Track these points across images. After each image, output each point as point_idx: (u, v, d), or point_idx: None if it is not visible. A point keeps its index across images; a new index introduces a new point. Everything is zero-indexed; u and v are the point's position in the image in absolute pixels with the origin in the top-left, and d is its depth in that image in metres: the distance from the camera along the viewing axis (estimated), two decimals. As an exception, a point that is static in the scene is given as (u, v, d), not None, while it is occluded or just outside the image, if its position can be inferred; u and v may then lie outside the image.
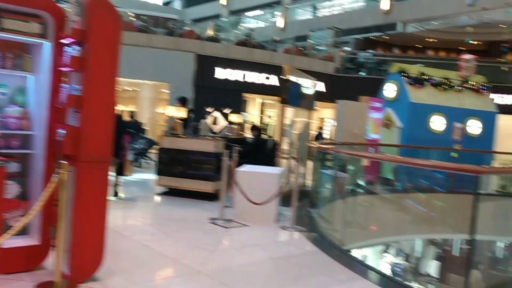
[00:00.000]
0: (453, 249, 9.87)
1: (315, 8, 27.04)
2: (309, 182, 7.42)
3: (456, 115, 11.42)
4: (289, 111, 8.01)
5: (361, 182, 8.40)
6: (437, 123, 11.43)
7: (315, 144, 5.68)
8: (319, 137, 16.48)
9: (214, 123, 13.33)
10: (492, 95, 13.30)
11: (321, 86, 18.25)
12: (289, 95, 7.27)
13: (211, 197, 6.96)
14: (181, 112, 7.80)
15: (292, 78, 7.61)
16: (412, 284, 8.89)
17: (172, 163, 7.18)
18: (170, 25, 16.83)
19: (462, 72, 8.85)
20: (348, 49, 22.05)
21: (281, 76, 7.05)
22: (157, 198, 7.33)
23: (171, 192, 7.35)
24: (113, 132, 3.45)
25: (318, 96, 18.47)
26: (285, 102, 7.02)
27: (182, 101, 9.00)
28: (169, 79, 15.22)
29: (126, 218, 5.90)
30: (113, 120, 3.41)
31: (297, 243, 5.12)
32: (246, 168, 6.14)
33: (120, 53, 3.40)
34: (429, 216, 8.98)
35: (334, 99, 14.09)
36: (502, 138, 14.37)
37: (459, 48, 22.44)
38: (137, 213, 6.45)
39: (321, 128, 17.64)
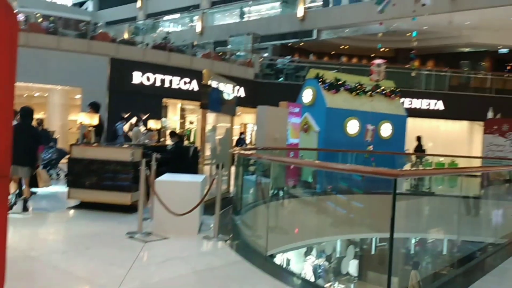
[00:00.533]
0: (371, 247, 10.29)
1: (241, 14, 27.07)
2: (232, 188, 7.31)
3: (369, 119, 11.97)
4: (210, 117, 7.85)
5: (284, 186, 8.46)
6: (352, 127, 11.90)
7: (237, 150, 5.57)
8: (240, 142, 16.47)
9: (131, 129, 12.76)
10: (401, 100, 14.16)
11: (241, 91, 18.36)
12: (209, 100, 7.11)
13: (129, 209, 6.58)
14: (93, 119, 7.31)
15: (213, 83, 7.46)
16: (334, 284, 9.12)
17: (85, 174, 6.69)
18: (81, 27, 15.93)
19: (373, 76, 9.28)
20: (267, 55, 22.39)
21: (201, 81, 6.85)
22: (69, 213, 6.79)
23: (84, 206, 6.85)
24: (13, 142, 3.05)
25: (239, 101, 18.59)
26: (205, 107, 6.85)
27: (94, 107, 8.49)
28: (82, 84, 14.38)
29: (33, 236, 5.37)
30: (11, 128, 3.02)
31: (220, 254, 4.96)
32: (166, 177, 5.88)
33: (18, 55, 3.02)
34: (348, 217, 9.27)
35: (254, 104, 14.15)
36: (412, 140, 15.35)
37: (370, 55, 23.68)
38: (46, 230, 5.91)
39: (242, 133, 17.67)
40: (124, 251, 4.77)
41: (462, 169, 4.23)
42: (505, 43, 21.28)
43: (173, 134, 8.41)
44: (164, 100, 17.16)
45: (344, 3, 23.00)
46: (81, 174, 6.72)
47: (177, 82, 16.33)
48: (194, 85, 16.60)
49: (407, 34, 21.51)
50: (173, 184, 5.56)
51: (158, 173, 6.20)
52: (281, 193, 7.69)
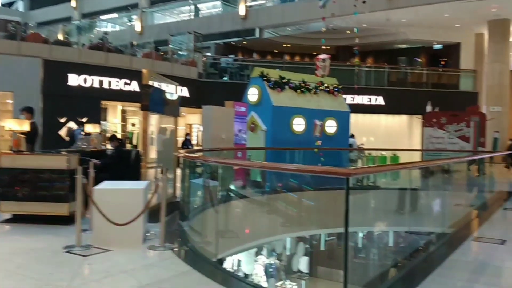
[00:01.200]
0: (320, 243, 10.30)
1: (196, 11, 26.50)
2: (178, 192, 7.00)
3: (314, 116, 12.02)
4: (153, 118, 7.51)
5: (232, 187, 8.26)
6: (298, 124, 11.90)
7: (182, 153, 5.29)
8: (186, 143, 16.10)
9: (68, 134, 12.09)
10: (344, 96, 14.36)
11: (185, 92, 17.96)
12: (151, 101, 6.77)
13: (67, 220, 6.12)
14: (23, 125, 6.75)
15: (154, 84, 7.12)
16: (285, 282, 9.04)
17: (16, 185, 6.15)
18: (11, 27, 14.92)
19: (319, 71, 9.27)
20: (209, 54, 22.10)
21: (141, 82, 6.50)
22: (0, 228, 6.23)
23: (18, 219, 6.31)
24: None
25: (183, 101, 18.17)
26: (146, 109, 6.50)
27: (30, 111, 7.93)
28: (12, 88, 13.44)
29: (-44, 258, 4.83)
30: None
31: (168, 264, 4.67)
32: (105, 184, 5.50)
33: None
34: (298, 215, 9.22)
35: (199, 104, 13.87)
36: (357, 135, 15.66)
37: (312, 53, 23.98)
38: (-28, 249, 5.35)
39: (188, 134, 17.28)
40: (61, 268, 4.38)
41: (412, 164, 4.22)
42: (439, 39, 22.26)
43: (113, 138, 7.97)
44: (103, 102, 16.45)
45: (285, 1, 23.16)
46: (13, 185, 6.17)
47: (116, 83, 15.69)
48: (134, 86, 16.02)
49: (347, 32, 22.00)
50: (113, 192, 5.20)
51: (99, 180, 5.81)
52: (230, 194, 7.49)
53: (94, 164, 5.90)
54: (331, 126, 12.47)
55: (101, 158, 7.68)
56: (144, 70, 6.46)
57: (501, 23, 18.72)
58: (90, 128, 9.32)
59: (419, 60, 23.92)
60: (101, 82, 15.46)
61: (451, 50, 22.45)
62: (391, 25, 20.50)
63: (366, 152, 13.82)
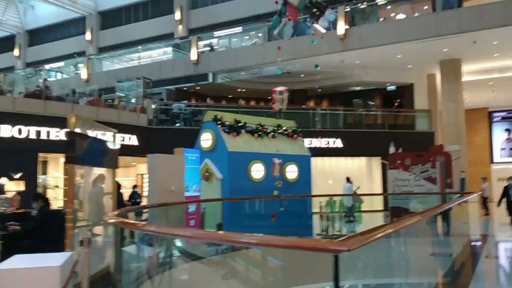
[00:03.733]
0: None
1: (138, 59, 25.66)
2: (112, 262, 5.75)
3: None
4: (84, 172, 6.32)
5: (180, 245, 7.05)
6: (257, 171, 10.92)
7: (114, 218, 4.11)
8: (134, 196, 14.69)
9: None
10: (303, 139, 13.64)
11: (133, 140, 16.76)
12: (80, 152, 5.61)
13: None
14: None
15: (83, 131, 5.99)
16: None
17: None
18: None
19: (276, 105, 8.45)
20: (160, 101, 21.12)
21: (66, 130, 5.36)
22: None
23: None
24: None
25: (132, 150, 16.92)
26: (72, 161, 5.33)
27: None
28: None
29: None
30: None
31: None
32: (10, 263, 4.20)
33: None
34: (263, 275, 8.05)
35: (150, 152, 12.72)
36: (317, 180, 14.84)
37: (268, 97, 23.45)
38: None
39: (135, 186, 15.86)
40: None
41: (411, 220, 3.27)
42: (393, 80, 22.35)
43: (37, 196, 6.65)
44: (42, 155, 14.94)
45: (237, 46, 22.77)
46: None
47: (56, 134, 14.27)
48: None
49: (301, 75, 21.73)
50: (18, 274, 3.92)
51: (21, 250, 4.54)
52: (177, 255, 6.29)
53: (14, 230, 4.63)
54: (292, 172, 11.57)
55: (24, 222, 6.36)
56: (70, 115, 5.33)
57: (452, 62, 18.95)
58: (11, 185, 7.93)
59: (374, 102, 23.91)
60: (38, 133, 14.03)
61: (405, 91, 22.57)
62: (345, 67, 20.37)
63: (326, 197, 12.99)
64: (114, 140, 6.91)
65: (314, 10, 5.88)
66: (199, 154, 9.85)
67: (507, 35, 16.18)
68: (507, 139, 27.46)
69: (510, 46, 17.64)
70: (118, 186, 12.39)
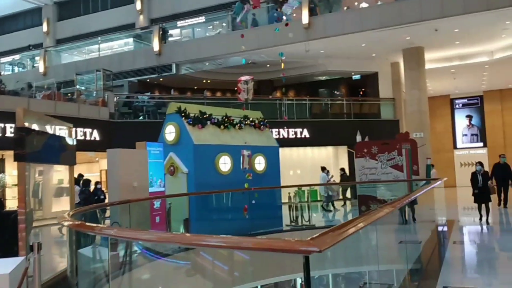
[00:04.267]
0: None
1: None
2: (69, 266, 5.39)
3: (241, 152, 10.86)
4: (48, 168, 5.91)
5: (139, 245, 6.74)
6: (225, 163, 10.66)
7: (69, 220, 3.75)
8: (98, 193, 14.12)
9: None
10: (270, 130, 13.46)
11: (95, 134, 16.18)
12: (32, 148, 5.21)
13: None
14: None
15: (34, 126, 5.58)
16: None
17: None
18: None
19: (241, 95, 8.20)
20: (123, 94, 20.49)
21: (15, 125, 4.94)
22: None
23: None
24: None
25: (93, 145, 16.31)
26: (22, 159, 4.93)
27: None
28: None
29: None
30: None
31: None
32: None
33: None
34: (230, 270, 7.85)
35: (112, 147, 12.27)
36: (285, 171, 14.71)
37: (234, 88, 23.13)
38: None
39: (98, 182, 15.24)
40: None
41: (378, 214, 3.11)
42: (357, 70, 22.44)
43: (-14, 198, 6.20)
44: (-2, 152, 14.23)
45: (201, 35, 22.33)
46: None
47: (11, 130, 13.56)
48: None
49: (267, 66, 21.50)
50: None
51: None
52: (139, 252, 5.99)
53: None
54: (260, 163, 11.37)
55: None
56: (18, 109, 4.92)
57: (415, 50, 19.16)
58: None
59: (339, 92, 23.98)
60: (-8, 129, 13.30)
61: (369, 80, 22.71)
62: (310, 57, 20.28)
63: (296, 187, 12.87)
64: (70, 135, 6.50)
65: (278, -4, 5.65)
66: (162, 148, 9.50)
67: (467, 23, 16.45)
68: (468, 125, 28.19)
69: (471, 33, 17.98)
70: (87, 182, 11.91)
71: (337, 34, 17.92)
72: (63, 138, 6.17)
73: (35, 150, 5.24)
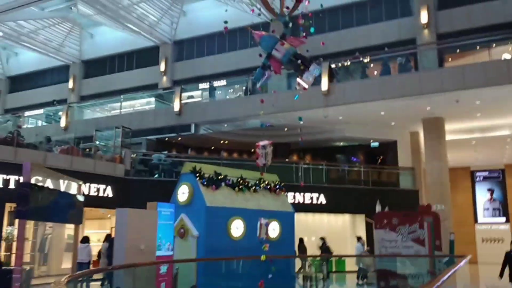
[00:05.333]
0: None
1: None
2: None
3: (255, 218, 10.44)
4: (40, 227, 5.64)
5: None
6: (237, 228, 10.25)
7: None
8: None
9: None
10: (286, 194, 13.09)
11: (108, 191, 16.03)
12: (37, 204, 4.98)
13: None
14: None
15: (40, 181, 5.39)
16: None
17: None
18: None
19: (260, 160, 7.98)
20: (140, 151, 20.55)
21: (21, 179, 4.75)
22: None
23: None
24: None
25: (106, 202, 16.09)
26: (23, 216, 4.68)
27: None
28: None
29: None
30: None
31: None
32: None
33: None
34: None
35: (125, 205, 12.05)
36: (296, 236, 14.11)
37: (251, 150, 23.07)
38: None
39: (109, 235, 14.80)
40: None
41: None
42: (376, 137, 22.26)
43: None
44: (9, 204, 14.06)
45: (222, 97, 22.65)
46: None
47: (25, 183, 13.49)
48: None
49: (285, 129, 21.48)
50: None
51: None
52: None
53: None
54: (274, 230, 10.91)
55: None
56: (25, 164, 4.75)
57: (435, 121, 18.97)
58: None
59: (357, 159, 23.69)
60: (6, 181, 13.28)
61: (388, 148, 22.45)
62: (328, 123, 20.25)
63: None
64: (79, 192, 6.28)
65: (299, 64, 5.57)
66: (174, 209, 9.20)
67: (489, 95, 16.32)
68: (490, 199, 27.33)
69: (492, 106, 17.79)
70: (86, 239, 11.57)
71: (355, 101, 17.92)
72: (71, 195, 5.96)
73: (40, 206, 5.01)
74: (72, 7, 25.76)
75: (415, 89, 16.70)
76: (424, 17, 20.73)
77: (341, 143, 24.26)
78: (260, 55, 6.17)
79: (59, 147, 16.79)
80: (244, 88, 22.57)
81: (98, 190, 15.49)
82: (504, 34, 17.75)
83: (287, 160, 22.03)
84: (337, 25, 23.12)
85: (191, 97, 23.01)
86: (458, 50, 18.45)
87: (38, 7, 26.27)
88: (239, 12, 22.58)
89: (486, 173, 27.67)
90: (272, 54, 5.57)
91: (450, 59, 18.19)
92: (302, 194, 19.10)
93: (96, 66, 30.15)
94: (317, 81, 17.98)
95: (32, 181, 4.77)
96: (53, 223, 5.95)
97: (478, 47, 17.90)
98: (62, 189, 6.38)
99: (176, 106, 21.38)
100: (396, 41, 21.17)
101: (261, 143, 7.94)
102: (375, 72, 19.36)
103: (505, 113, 18.75)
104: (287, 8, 6.19)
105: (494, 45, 17.37)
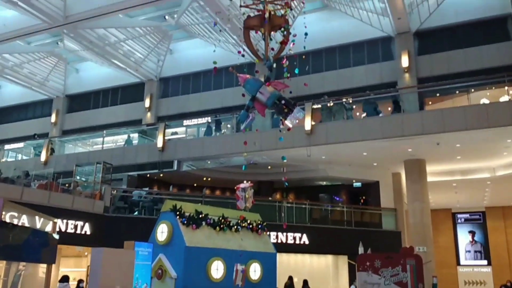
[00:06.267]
0: None
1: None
2: None
3: (236, 259, 10.22)
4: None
5: None
6: (217, 269, 9.98)
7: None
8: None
9: None
10: (268, 234, 12.88)
11: (86, 228, 15.62)
12: (5, 242, 4.77)
13: None
14: None
15: (19, 218, 5.20)
16: None
17: None
18: None
19: (240, 203, 7.86)
20: (120, 188, 20.20)
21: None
22: None
23: None
24: None
25: (84, 240, 15.63)
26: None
27: None
28: None
29: None
30: None
31: None
32: None
33: None
34: None
35: (103, 243, 11.74)
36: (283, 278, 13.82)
37: (234, 187, 22.90)
38: None
39: (81, 281, 14.28)
40: None
41: None
42: (358, 177, 22.35)
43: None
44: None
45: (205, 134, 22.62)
46: None
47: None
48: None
49: (269, 167, 21.46)
50: None
51: None
52: None
53: None
54: (255, 271, 10.66)
55: None
56: (-2, 199, 4.58)
57: (416, 163, 19.15)
58: None
59: (340, 198, 23.66)
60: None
61: (371, 188, 22.51)
62: (311, 162, 20.30)
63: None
64: (54, 230, 6.08)
65: (283, 107, 5.64)
66: (152, 248, 8.96)
67: (469, 138, 16.62)
68: (471, 241, 27.40)
69: (472, 149, 18.11)
70: (65, 278, 11.15)
71: (338, 141, 18.05)
72: (45, 233, 5.75)
73: (10, 245, 4.80)
74: (59, 42, 25.86)
75: (396, 131, 16.93)
76: (405, 61, 21.32)
77: (324, 182, 24.29)
78: (244, 95, 6.21)
79: (37, 181, 16.45)
80: (228, 126, 22.64)
81: (75, 227, 15.08)
82: (482, 80, 18.34)
83: (270, 198, 21.90)
84: (320, 67, 23.60)
85: (175, 133, 22.94)
86: (438, 94, 18.89)
87: (25, 41, 26.35)
88: (224, 51, 22.99)
89: (467, 215, 27.87)
90: (257, 97, 5.61)
91: (430, 103, 18.59)
92: (285, 234, 18.87)
93: (80, 101, 30.04)
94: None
95: (7, 217, 4.59)
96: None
97: (457, 91, 18.38)
98: (38, 226, 6.16)
99: (160, 142, 21.26)
100: (378, 84, 21.63)
101: (242, 185, 7.89)
102: (357, 113, 19.64)
103: (485, 157, 19.09)
104: (272, 49, 6.30)
105: (472, 90, 17.85)
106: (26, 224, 5.73)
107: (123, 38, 24.57)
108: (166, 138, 21.47)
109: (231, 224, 10.97)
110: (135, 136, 24.58)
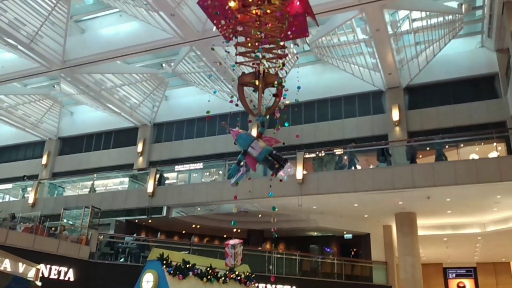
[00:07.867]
0: None
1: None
2: None
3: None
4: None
5: None
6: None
7: None
8: None
9: None
10: (256, 285, 12.60)
11: (70, 274, 15.20)
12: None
13: None
14: None
15: (1, 263, 5.07)
16: None
17: None
18: None
19: (228, 261, 7.75)
20: (108, 233, 19.86)
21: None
22: None
23: None
24: None
25: (65, 286, 15.15)
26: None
27: None
28: None
29: None
30: None
31: None
32: None
33: None
34: None
35: (85, 290, 11.38)
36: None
37: (223, 236, 22.63)
38: None
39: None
40: None
41: None
42: (349, 229, 22.17)
43: None
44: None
45: (197, 181, 22.56)
46: None
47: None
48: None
49: (259, 216, 21.28)
50: None
51: None
52: None
53: None
54: (242, 326, 10.34)
55: None
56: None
57: (407, 216, 19.10)
58: None
59: (331, 250, 23.34)
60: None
61: (362, 241, 22.26)
62: (302, 212, 20.17)
63: None
64: (37, 277, 5.93)
65: (274, 163, 5.71)
66: (136, 299, 8.70)
67: (459, 193, 16.70)
68: (463, 297, 26.93)
69: (462, 204, 18.15)
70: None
71: (329, 192, 18.05)
72: (27, 281, 5.61)
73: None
74: (55, 85, 26.16)
75: (387, 183, 17.00)
76: (395, 115, 21.72)
77: (315, 233, 24.04)
78: (235, 143, 6.27)
79: (23, 224, 16.17)
80: (220, 172, 22.64)
81: (59, 272, 14.67)
82: (471, 136, 18.69)
83: (259, 248, 21.55)
84: (312, 117, 23.96)
85: (166, 178, 22.85)
86: (428, 148, 19.13)
87: (21, 83, 26.65)
88: (218, 99, 23.35)
89: (458, 271, 27.51)
90: (248, 151, 5.67)
91: (420, 156, 18.79)
92: (273, 286, 18.44)
93: (72, 144, 30.02)
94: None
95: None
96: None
97: (447, 146, 18.63)
98: (20, 271, 6.01)
99: (150, 187, 21.12)
100: (369, 136, 21.94)
101: (231, 242, 7.80)
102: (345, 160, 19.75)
103: (475, 212, 19.11)
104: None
105: (462, 145, 18.14)
106: (9, 269, 5.59)
107: (120, 84, 24.92)
108: (156, 183, 21.32)
109: (218, 275, 10.73)
110: (125, 180, 24.45)
